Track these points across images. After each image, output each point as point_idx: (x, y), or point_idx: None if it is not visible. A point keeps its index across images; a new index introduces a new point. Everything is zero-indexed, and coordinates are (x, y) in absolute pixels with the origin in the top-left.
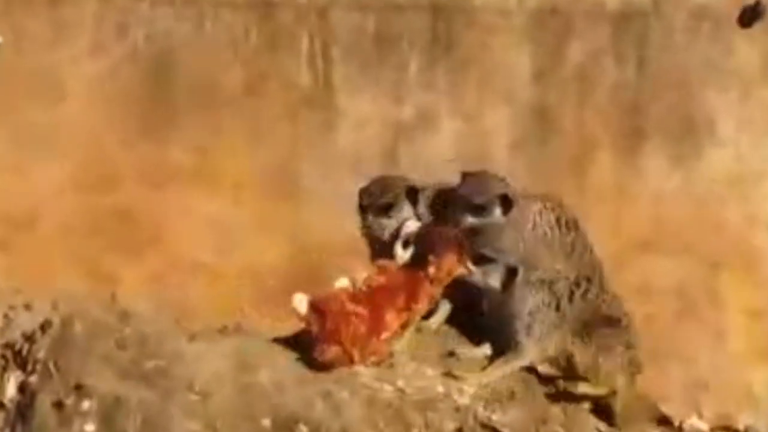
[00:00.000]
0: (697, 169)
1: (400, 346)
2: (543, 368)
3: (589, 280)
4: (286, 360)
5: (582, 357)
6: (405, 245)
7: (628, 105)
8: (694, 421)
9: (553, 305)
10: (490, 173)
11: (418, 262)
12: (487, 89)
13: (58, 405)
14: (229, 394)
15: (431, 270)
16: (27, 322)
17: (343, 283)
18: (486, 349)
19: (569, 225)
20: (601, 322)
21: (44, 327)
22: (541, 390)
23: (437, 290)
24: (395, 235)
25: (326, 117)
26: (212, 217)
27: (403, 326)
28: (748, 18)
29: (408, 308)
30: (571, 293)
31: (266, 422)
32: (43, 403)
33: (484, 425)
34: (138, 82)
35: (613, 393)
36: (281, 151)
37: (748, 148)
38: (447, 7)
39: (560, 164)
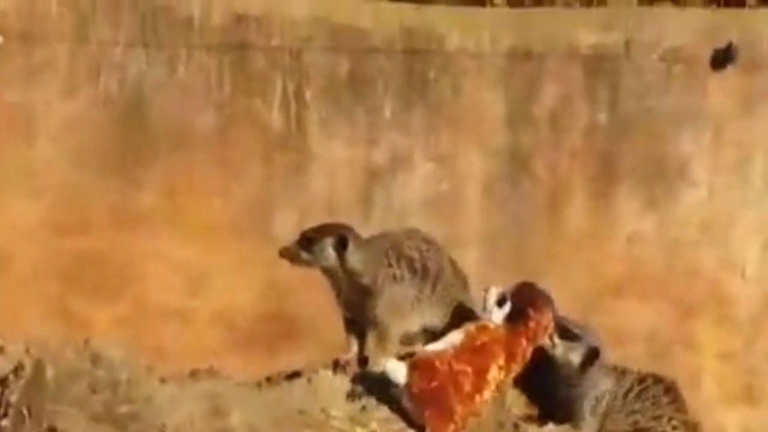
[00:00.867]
0: (671, 212)
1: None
2: None
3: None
4: (259, 403)
5: None
6: (500, 303)
7: (601, 148)
8: None
9: (620, 395)
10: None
11: (515, 317)
12: (461, 132)
13: None
14: None
15: (531, 324)
16: None
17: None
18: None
19: None
20: None
21: (17, 371)
22: None
23: (530, 350)
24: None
25: (299, 160)
26: (184, 260)
27: (499, 385)
28: (720, 60)
29: (507, 367)
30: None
31: None
32: None
33: None
34: (110, 124)
35: None
36: (254, 195)
37: (722, 190)
38: (421, 50)
39: (534, 207)
